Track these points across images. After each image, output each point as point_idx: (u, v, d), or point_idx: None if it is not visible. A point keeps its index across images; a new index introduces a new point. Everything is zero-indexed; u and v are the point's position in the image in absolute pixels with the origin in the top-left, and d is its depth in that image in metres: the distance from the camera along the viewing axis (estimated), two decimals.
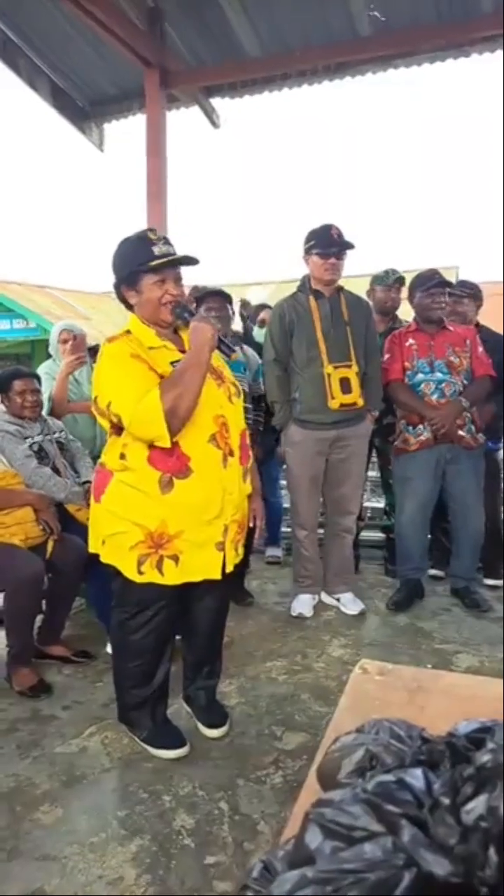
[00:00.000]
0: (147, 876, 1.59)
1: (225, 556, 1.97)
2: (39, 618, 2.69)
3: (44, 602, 2.69)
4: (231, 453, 1.92)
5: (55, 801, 1.87)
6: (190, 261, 1.95)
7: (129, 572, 1.90)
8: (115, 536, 1.92)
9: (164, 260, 1.87)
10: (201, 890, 1.55)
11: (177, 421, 1.77)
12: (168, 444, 1.79)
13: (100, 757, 2.08)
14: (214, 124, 5.67)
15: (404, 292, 3.70)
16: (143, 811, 1.82)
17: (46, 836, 1.72)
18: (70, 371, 3.23)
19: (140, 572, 1.89)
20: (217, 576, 1.95)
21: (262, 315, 3.76)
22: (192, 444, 1.85)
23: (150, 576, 1.89)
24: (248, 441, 2.07)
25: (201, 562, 1.92)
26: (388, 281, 3.62)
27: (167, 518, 1.85)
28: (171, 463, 1.84)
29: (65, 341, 3.37)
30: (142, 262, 1.88)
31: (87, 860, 1.64)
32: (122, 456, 1.89)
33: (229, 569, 1.99)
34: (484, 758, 0.62)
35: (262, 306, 3.84)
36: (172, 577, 1.90)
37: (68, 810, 1.83)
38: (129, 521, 1.87)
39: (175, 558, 1.88)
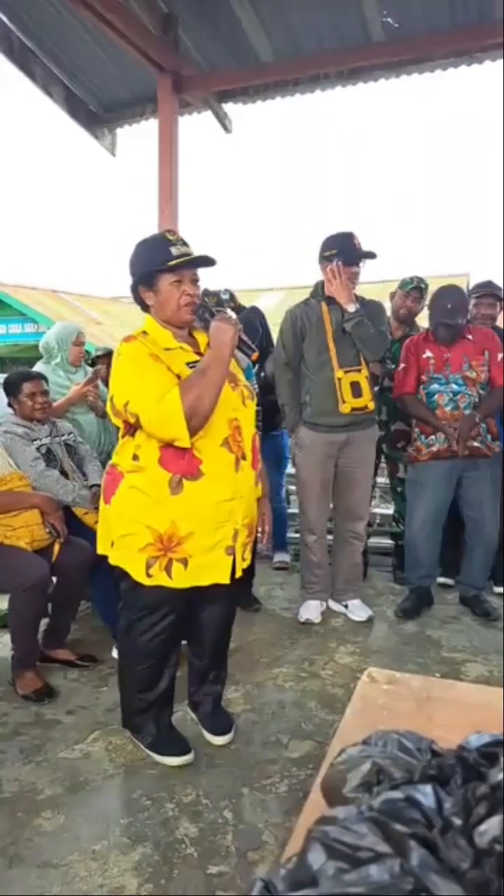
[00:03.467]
0: (149, 885, 1.56)
1: (234, 561, 1.95)
2: (45, 621, 2.68)
3: (49, 605, 2.68)
4: (244, 457, 1.91)
5: (58, 807, 1.85)
6: (207, 261, 1.94)
7: (138, 575, 1.89)
8: (124, 538, 1.90)
9: (182, 259, 1.86)
10: None
11: (197, 420, 1.76)
12: (188, 444, 1.78)
13: (103, 763, 2.06)
14: (226, 129, 5.68)
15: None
16: (145, 819, 1.80)
17: (48, 843, 1.71)
18: (80, 400, 3.23)
19: (149, 575, 1.88)
20: (226, 580, 1.93)
21: None
22: (205, 446, 1.83)
23: (159, 578, 1.87)
24: (257, 445, 2.05)
25: (210, 565, 1.91)
26: (405, 288, 3.59)
27: (177, 520, 1.84)
28: (182, 464, 1.82)
29: (79, 344, 3.39)
30: (159, 262, 1.87)
31: (89, 868, 1.62)
32: (135, 457, 1.88)
33: (238, 573, 1.97)
34: (499, 776, 0.59)
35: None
36: (181, 580, 1.88)
37: (71, 817, 1.81)
38: (139, 523, 1.86)
39: (184, 561, 1.87)
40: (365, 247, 2.99)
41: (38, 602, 2.48)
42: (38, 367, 3.33)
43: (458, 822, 0.56)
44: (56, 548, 2.61)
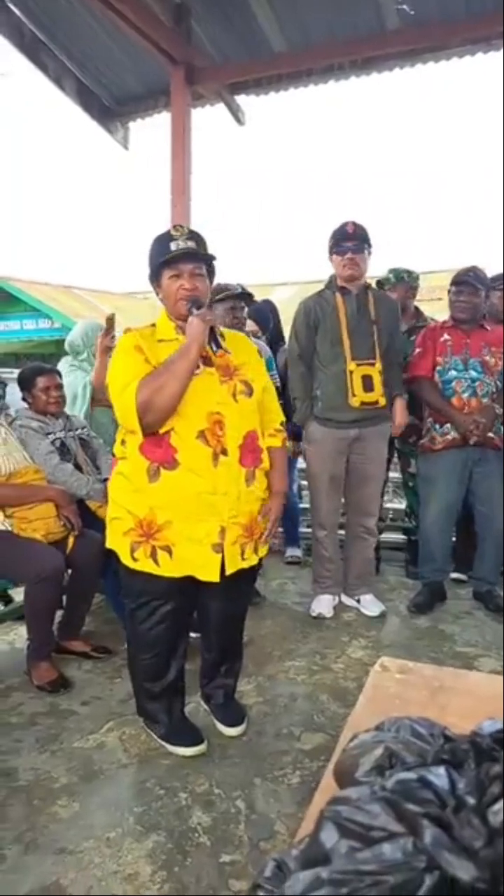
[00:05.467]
0: (162, 873, 1.58)
1: (224, 559, 1.93)
2: (59, 613, 2.70)
3: (64, 598, 2.70)
4: (224, 452, 1.88)
5: (73, 795, 1.87)
6: (198, 257, 1.93)
7: (125, 558, 1.95)
8: (112, 522, 1.99)
9: (174, 254, 1.89)
10: (216, 889, 1.54)
11: (151, 415, 1.81)
12: (141, 438, 1.84)
13: (117, 752, 2.08)
14: (239, 121, 5.67)
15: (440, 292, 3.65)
16: (159, 808, 1.81)
17: (63, 830, 1.73)
18: (106, 349, 3.22)
19: (134, 559, 1.93)
20: (214, 578, 1.92)
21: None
22: (180, 437, 1.86)
23: (145, 565, 1.91)
24: (258, 443, 2.00)
25: (197, 561, 1.91)
26: (388, 285, 3.57)
27: (154, 507, 1.88)
28: (159, 453, 1.86)
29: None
30: (160, 257, 1.92)
31: (103, 855, 1.64)
32: (123, 442, 1.96)
33: (230, 571, 1.94)
34: None
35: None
36: (168, 568, 1.90)
37: (85, 805, 1.83)
38: (122, 507, 1.94)
39: (168, 550, 1.89)
40: (377, 237, 2.98)
41: (54, 593, 2.50)
42: (63, 364, 3.38)
43: (471, 801, 0.56)
44: (70, 540, 2.64)
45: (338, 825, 0.58)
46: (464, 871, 0.51)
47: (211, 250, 1.99)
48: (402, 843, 0.53)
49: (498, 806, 0.54)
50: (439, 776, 0.60)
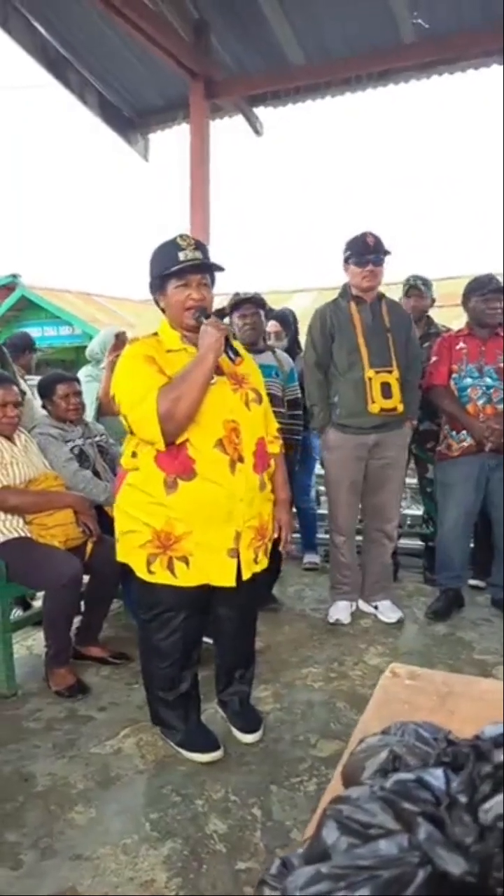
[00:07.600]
0: (178, 879, 1.59)
1: (240, 564, 1.95)
2: (77, 619, 2.73)
3: (82, 603, 2.73)
4: (241, 459, 1.90)
5: (89, 801, 1.89)
6: (211, 267, 1.95)
7: (140, 571, 1.94)
8: (126, 535, 1.97)
9: (184, 265, 1.90)
10: None
11: (173, 425, 1.80)
12: (163, 448, 1.83)
13: (134, 759, 2.09)
14: (257, 132, 5.73)
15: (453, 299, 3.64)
16: (175, 814, 1.82)
17: (80, 836, 1.74)
18: (112, 365, 3.28)
19: (150, 571, 1.92)
20: (231, 583, 1.94)
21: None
22: (198, 447, 1.86)
23: (162, 576, 1.91)
24: (267, 449, 2.03)
25: (213, 567, 1.92)
26: (405, 292, 3.60)
27: (173, 518, 1.87)
28: (176, 465, 1.86)
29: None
30: (168, 266, 1.92)
31: (120, 861, 1.65)
32: (134, 454, 1.95)
33: (246, 576, 1.96)
34: (500, 756, 0.60)
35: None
36: (185, 578, 1.91)
37: (102, 811, 1.84)
38: (137, 520, 1.92)
39: (185, 560, 1.89)
40: (394, 246, 2.98)
41: (72, 599, 2.53)
42: (82, 373, 3.42)
43: (463, 799, 0.57)
44: (89, 547, 2.67)
45: (339, 823, 0.59)
46: (454, 865, 0.52)
47: (229, 258, 2.03)
48: (397, 839, 0.55)
49: (489, 804, 0.56)
50: (436, 777, 0.62)
